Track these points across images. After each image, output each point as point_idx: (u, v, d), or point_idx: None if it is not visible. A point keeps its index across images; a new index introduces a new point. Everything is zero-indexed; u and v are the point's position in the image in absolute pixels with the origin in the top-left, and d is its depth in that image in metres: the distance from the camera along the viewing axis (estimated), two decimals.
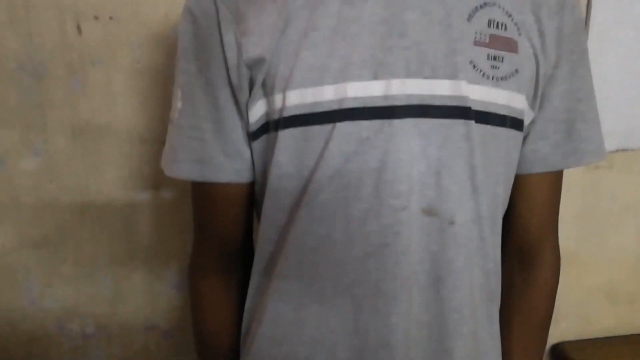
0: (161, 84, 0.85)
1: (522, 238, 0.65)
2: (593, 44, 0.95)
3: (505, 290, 0.63)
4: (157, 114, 0.86)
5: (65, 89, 0.84)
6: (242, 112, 0.56)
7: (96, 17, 0.82)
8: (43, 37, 0.82)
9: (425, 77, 0.52)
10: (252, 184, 0.60)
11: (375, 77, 0.52)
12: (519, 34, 0.55)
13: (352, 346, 0.56)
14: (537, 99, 0.58)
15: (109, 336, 0.93)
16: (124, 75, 0.84)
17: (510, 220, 0.63)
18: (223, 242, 0.63)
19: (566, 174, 0.64)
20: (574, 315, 1.08)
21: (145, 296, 0.93)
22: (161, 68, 0.84)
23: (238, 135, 0.57)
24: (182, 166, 0.59)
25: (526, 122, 0.58)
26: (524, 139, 0.60)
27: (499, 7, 0.54)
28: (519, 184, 0.62)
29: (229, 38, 0.54)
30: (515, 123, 0.57)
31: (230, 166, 0.58)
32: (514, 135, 0.57)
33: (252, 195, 0.62)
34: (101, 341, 0.93)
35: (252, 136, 0.57)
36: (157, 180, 0.88)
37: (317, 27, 0.52)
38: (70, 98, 0.84)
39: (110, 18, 0.82)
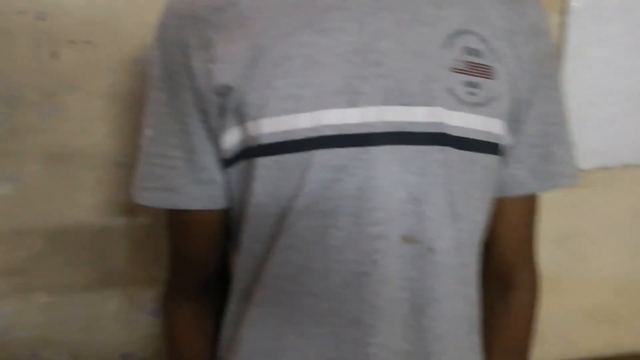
0: (137, 109, 0.84)
1: (499, 261, 0.65)
2: (570, 64, 0.96)
3: (484, 315, 0.62)
4: (132, 139, 0.85)
5: (40, 114, 0.83)
6: (214, 139, 0.56)
7: (72, 42, 0.81)
8: (17, 62, 0.81)
9: (402, 104, 0.52)
10: (225, 210, 0.60)
11: (351, 104, 0.51)
12: (495, 60, 0.56)
13: None
14: (514, 124, 0.58)
15: None
16: (99, 100, 0.84)
17: (487, 244, 0.63)
18: (197, 267, 0.62)
19: (545, 194, 0.64)
20: (557, 337, 1.07)
21: (121, 324, 0.91)
22: (137, 93, 0.84)
23: (210, 162, 0.57)
24: (152, 194, 0.58)
25: (504, 147, 0.58)
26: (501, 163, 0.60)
27: (474, 34, 0.55)
28: (496, 207, 0.62)
29: (196, 64, 0.54)
30: (493, 148, 0.57)
31: (203, 193, 0.57)
32: (493, 160, 0.57)
33: (226, 221, 0.61)
34: None
35: (227, 163, 0.56)
36: (132, 205, 0.87)
37: (290, 56, 0.52)
38: (44, 123, 0.83)
39: (87, 42, 0.81)
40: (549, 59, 0.60)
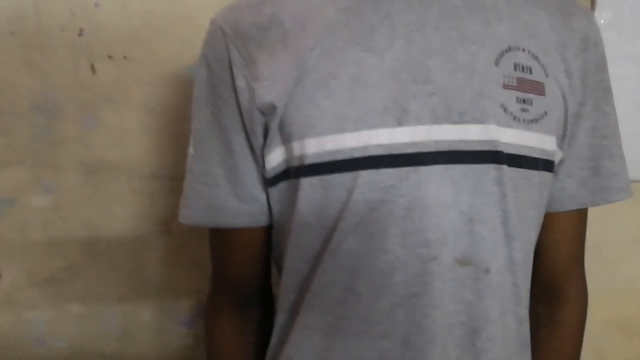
0: (172, 122, 0.86)
1: (548, 276, 0.63)
2: None
3: (531, 329, 0.61)
4: (168, 151, 0.87)
5: (78, 127, 0.85)
6: (257, 157, 0.56)
7: (110, 57, 0.83)
8: (57, 76, 0.83)
9: (453, 123, 0.51)
10: (268, 227, 0.59)
11: (400, 123, 0.51)
12: (546, 76, 0.55)
13: None
14: (565, 138, 0.57)
15: None
16: (135, 114, 0.85)
17: (535, 258, 0.61)
18: (239, 283, 0.62)
19: None
20: (586, 349, 1.06)
21: (155, 334, 0.92)
22: (173, 107, 0.85)
23: (252, 180, 0.57)
24: (194, 213, 0.58)
25: (556, 162, 0.57)
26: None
27: (524, 50, 0.54)
28: (547, 221, 0.61)
29: (240, 82, 0.54)
30: (547, 165, 0.56)
31: (245, 210, 0.57)
32: (546, 177, 0.56)
33: (269, 238, 0.61)
34: None
35: (270, 182, 0.56)
36: (167, 217, 0.88)
37: (336, 75, 0.51)
38: (82, 136, 0.85)
39: (124, 57, 0.83)
40: (599, 72, 0.59)
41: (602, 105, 0.60)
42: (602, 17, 0.94)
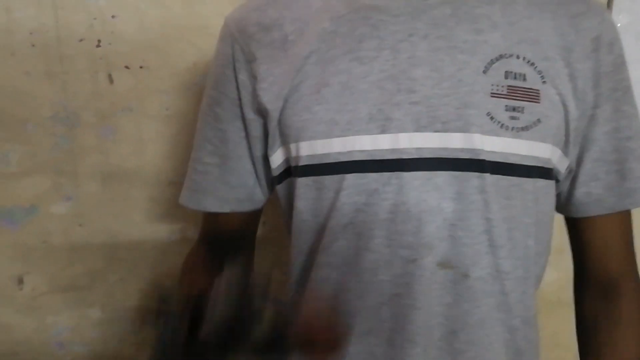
0: (188, 130, 0.87)
1: (600, 276, 0.63)
2: None
3: (591, 327, 0.62)
4: (184, 158, 0.87)
5: (97, 136, 0.86)
6: (252, 150, 0.60)
7: (127, 67, 0.85)
8: (76, 86, 0.85)
9: (436, 131, 0.53)
10: (255, 211, 0.65)
11: (383, 131, 0.53)
12: (543, 83, 0.54)
13: None
14: (569, 144, 0.57)
15: None
16: (152, 122, 0.87)
17: (585, 262, 0.63)
18: (221, 242, 0.66)
19: None
20: None
21: None
22: (189, 115, 0.87)
23: (243, 167, 0.61)
24: (187, 195, 0.64)
25: (561, 169, 0.57)
26: (574, 182, 0.59)
27: (518, 57, 0.54)
28: (582, 227, 0.62)
29: (243, 76, 0.58)
30: (543, 172, 0.56)
31: (232, 197, 0.62)
32: (543, 184, 0.56)
33: (257, 219, 0.67)
34: None
35: (277, 180, 0.60)
36: (185, 223, 0.89)
37: (328, 83, 0.54)
38: (101, 144, 0.87)
39: (141, 67, 0.85)
40: (617, 71, 0.57)
41: (623, 105, 0.58)
42: (619, 20, 0.93)
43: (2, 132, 0.85)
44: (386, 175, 0.53)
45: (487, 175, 0.53)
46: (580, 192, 0.60)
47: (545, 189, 0.57)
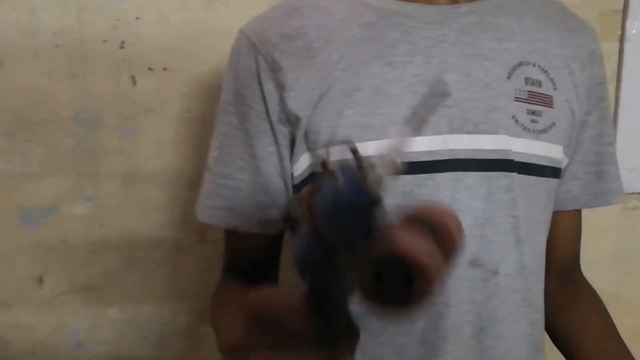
0: (210, 132, 0.87)
1: (559, 268, 0.69)
2: (626, 90, 0.97)
3: (552, 312, 0.65)
4: (205, 160, 0.88)
5: (118, 137, 0.87)
6: (283, 162, 0.58)
7: (150, 68, 0.85)
8: (98, 87, 0.85)
9: (468, 133, 0.55)
10: (279, 236, 0.64)
11: (418, 133, 0.54)
12: (554, 89, 0.59)
13: None
14: (571, 146, 0.62)
15: None
16: (174, 124, 0.87)
17: (547, 253, 0.65)
18: (247, 272, 0.65)
19: (602, 214, 0.68)
20: None
21: (191, 340, 0.94)
22: (210, 117, 0.86)
23: (275, 186, 0.59)
24: (214, 212, 0.61)
25: (562, 169, 0.61)
26: None
27: (534, 65, 0.58)
28: (552, 220, 0.64)
29: (268, 86, 0.57)
30: (554, 172, 0.60)
31: (262, 217, 0.60)
32: (554, 184, 0.60)
33: (279, 244, 0.65)
34: None
35: (298, 187, 0.59)
36: (204, 225, 0.89)
37: (359, 87, 0.55)
38: (122, 146, 0.87)
39: (164, 69, 0.85)
40: (603, 83, 0.64)
41: (605, 114, 0.65)
42: (633, 27, 0.95)
43: (23, 133, 0.86)
44: (421, 177, 0.54)
45: (514, 174, 0.56)
46: (561, 188, 0.64)
47: (554, 187, 0.61)
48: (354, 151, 0.28)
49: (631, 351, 1.11)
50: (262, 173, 0.59)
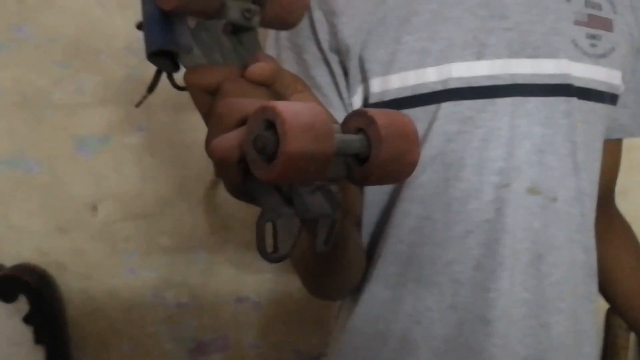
0: None
1: (600, 196, 0.66)
2: None
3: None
4: None
5: None
6: (341, 93, 0.57)
7: None
8: None
9: (528, 57, 0.53)
10: None
11: (479, 57, 0.52)
12: (614, 13, 0.57)
13: (449, 322, 0.56)
14: (627, 73, 0.59)
15: (201, 306, 0.97)
16: None
17: None
18: None
19: None
20: None
21: (237, 268, 0.97)
22: None
23: (338, 115, 0.58)
24: None
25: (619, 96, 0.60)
26: None
27: None
28: None
29: (318, 15, 0.55)
30: (612, 99, 0.58)
31: None
32: (610, 110, 0.59)
33: None
34: (194, 311, 0.98)
35: None
36: None
37: (417, 11, 0.53)
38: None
39: None
40: None
41: None
42: None
43: (76, 62, 0.88)
44: (481, 102, 0.53)
45: (574, 99, 0.54)
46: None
47: (610, 115, 0.59)
48: None
49: None
50: (325, 100, 0.57)
